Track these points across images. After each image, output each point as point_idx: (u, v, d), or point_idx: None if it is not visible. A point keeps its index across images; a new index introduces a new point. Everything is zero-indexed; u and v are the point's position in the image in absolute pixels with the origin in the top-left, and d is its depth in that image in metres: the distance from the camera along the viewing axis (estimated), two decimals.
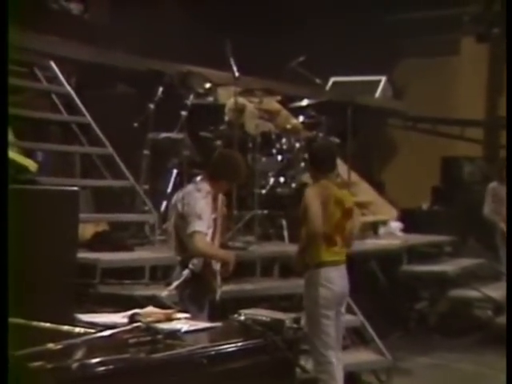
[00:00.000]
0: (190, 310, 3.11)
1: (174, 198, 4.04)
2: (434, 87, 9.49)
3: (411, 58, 9.97)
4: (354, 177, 7.34)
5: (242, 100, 6.14)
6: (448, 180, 9.23)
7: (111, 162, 5.88)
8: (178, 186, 5.55)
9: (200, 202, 3.86)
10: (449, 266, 6.93)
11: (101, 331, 1.97)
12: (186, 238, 3.84)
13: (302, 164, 6.30)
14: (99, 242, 5.09)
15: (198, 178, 4.05)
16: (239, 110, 6.02)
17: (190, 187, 4.03)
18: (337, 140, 6.61)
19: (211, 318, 3.54)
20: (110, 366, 1.78)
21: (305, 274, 4.09)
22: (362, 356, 5.27)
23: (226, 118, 6.06)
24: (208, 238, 3.91)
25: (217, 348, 2.04)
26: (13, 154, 2.76)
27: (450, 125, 9.83)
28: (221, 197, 4.10)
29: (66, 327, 2.05)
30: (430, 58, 9.74)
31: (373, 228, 7.32)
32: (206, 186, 3.95)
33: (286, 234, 5.86)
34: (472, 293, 6.79)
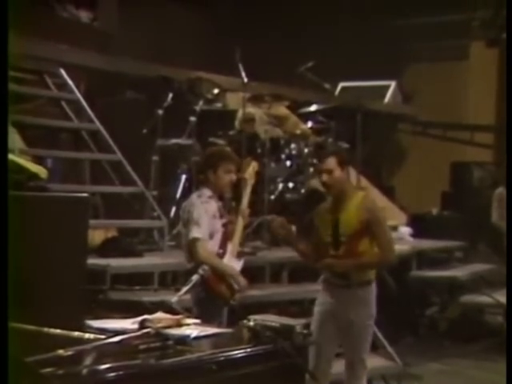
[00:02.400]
0: (201, 316, 3.11)
1: (182, 206, 4.07)
2: (443, 92, 9.47)
3: (421, 62, 9.95)
4: (364, 182, 7.33)
5: (251, 109, 6.16)
6: (458, 185, 9.20)
7: (121, 168, 5.90)
8: (186, 191, 5.57)
9: (198, 208, 3.87)
10: (459, 272, 6.90)
11: (111, 337, 1.98)
12: (186, 246, 3.88)
13: (311, 169, 6.30)
14: (109, 248, 5.10)
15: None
16: (249, 120, 6.05)
17: (192, 195, 4.06)
18: (346, 145, 6.61)
19: (227, 324, 3.54)
20: (120, 372, 1.78)
21: (356, 291, 3.80)
22: (372, 362, 5.23)
23: (237, 127, 6.08)
24: (214, 244, 3.89)
25: (226, 354, 2.04)
26: (23, 161, 2.77)
27: (459, 130, 9.80)
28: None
29: (76, 333, 2.05)
30: (440, 62, 9.72)
31: None
32: (206, 191, 3.95)
33: None
34: (482, 298, 6.75)
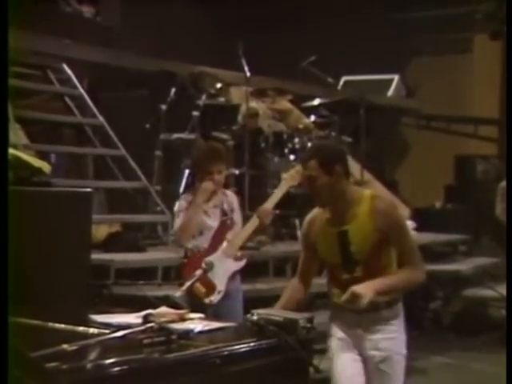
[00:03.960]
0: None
1: None
2: (447, 85, 9.44)
3: (424, 56, 9.92)
4: (367, 176, 7.32)
5: (254, 104, 6.14)
6: (461, 178, 9.18)
7: (124, 163, 5.91)
8: (190, 186, 5.57)
9: (179, 201, 3.89)
10: (463, 265, 6.89)
11: (115, 332, 1.98)
12: None
13: None
14: (113, 243, 5.12)
15: None
16: (253, 115, 6.03)
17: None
18: (349, 139, 6.60)
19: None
20: (125, 367, 1.78)
21: (382, 313, 2.95)
22: None
23: (241, 122, 6.06)
24: (203, 241, 3.81)
25: (230, 348, 2.04)
26: (27, 156, 2.78)
27: (463, 123, 9.77)
28: (232, 197, 4.01)
29: (80, 328, 2.06)
30: (443, 55, 9.69)
31: None
32: (196, 187, 3.94)
33: (298, 233, 5.85)
34: (486, 292, 6.74)
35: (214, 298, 3.70)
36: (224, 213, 3.93)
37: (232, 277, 3.82)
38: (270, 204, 3.95)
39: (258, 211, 3.90)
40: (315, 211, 3.05)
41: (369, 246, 2.89)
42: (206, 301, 3.64)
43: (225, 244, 3.85)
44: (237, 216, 3.96)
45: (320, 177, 2.90)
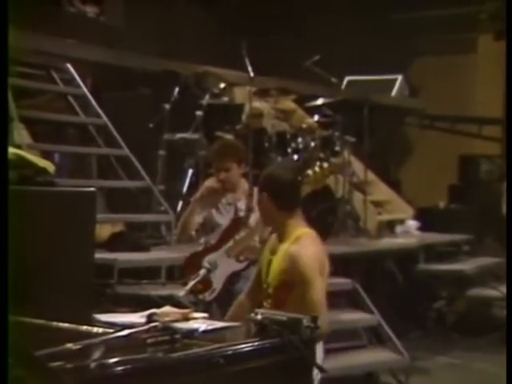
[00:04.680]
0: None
1: None
2: (451, 85, 9.43)
3: (428, 56, 9.91)
4: (371, 176, 7.32)
5: (259, 105, 6.13)
6: (465, 178, 9.16)
7: (127, 162, 5.91)
8: (193, 185, 5.57)
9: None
10: (466, 265, 6.89)
11: (119, 331, 1.99)
12: None
13: (318, 163, 6.28)
14: (116, 243, 5.12)
15: None
16: (258, 115, 6.02)
17: None
18: (353, 139, 6.60)
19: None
20: (129, 366, 1.79)
21: None
22: (379, 356, 5.25)
23: (246, 122, 6.06)
24: (213, 237, 3.80)
25: (234, 348, 2.04)
26: (31, 156, 2.78)
27: (467, 123, 9.76)
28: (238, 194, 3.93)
29: (84, 327, 2.06)
30: (447, 55, 9.68)
31: (389, 227, 7.29)
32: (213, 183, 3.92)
33: None
34: (490, 292, 6.74)
35: (208, 296, 3.67)
36: (238, 211, 3.87)
37: (232, 277, 3.76)
38: None
39: None
40: (272, 236, 3.10)
41: (276, 282, 2.90)
42: (200, 297, 3.62)
43: (230, 243, 3.80)
44: (255, 216, 3.78)
45: (268, 206, 2.96)
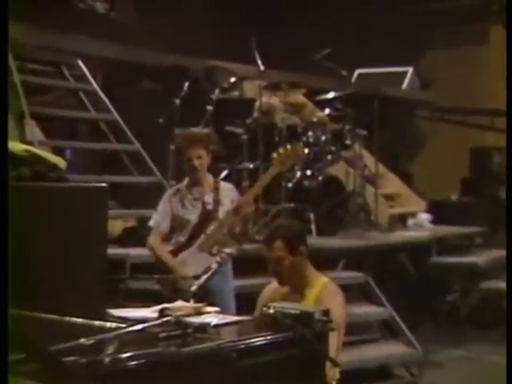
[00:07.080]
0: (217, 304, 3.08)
1: None
2: (462, 77, 9.36)
3: (439, 48, 9.85)
4: (382, 169, 7.29)
5: (270, 100, 6.12)
6: (477, 171, 9.12)
7: (138, 158, 5.93)
8: None
9: (162, 198, 3.85)
10: (479, 258, 6.86)
11: (132, 326, 1.99)
12: None
13: (329, 157, 6.27)
14: (128, 238, 5.14)
15: None
16: (268, 110, 6.01)
17: None
18: (364, 132, 6.57)
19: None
20: (142, 360, 1.79)
21: None
22: (392, 349, 5.25)
23: (256, 116, 6.05)
24: (179, 235, 3.71)
25: (246, 342, 2.04)
26: (43, 152, 2.80)
27: (479, 115, 9.69)
28: (225, 189, 3.80)
29: (97, 322, 2.07)
30: (459, 47, 9.61)
31: (401, 220, 7.27)
32: (185, 180, 3.86)
33: (313, 227, 5.84)
34: (503, 284, 6.70)
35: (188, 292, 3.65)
36: (205, 206, 3.76)
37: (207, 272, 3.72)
38: (248, 195, 3.83)
39: (238, 203, 3.76)
40: (270, 287, 3.09)
41: None
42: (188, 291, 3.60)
43: (201, 238, 3.71)
44: (224, 209, 3.75)
45: (286, 257, 2.94)
